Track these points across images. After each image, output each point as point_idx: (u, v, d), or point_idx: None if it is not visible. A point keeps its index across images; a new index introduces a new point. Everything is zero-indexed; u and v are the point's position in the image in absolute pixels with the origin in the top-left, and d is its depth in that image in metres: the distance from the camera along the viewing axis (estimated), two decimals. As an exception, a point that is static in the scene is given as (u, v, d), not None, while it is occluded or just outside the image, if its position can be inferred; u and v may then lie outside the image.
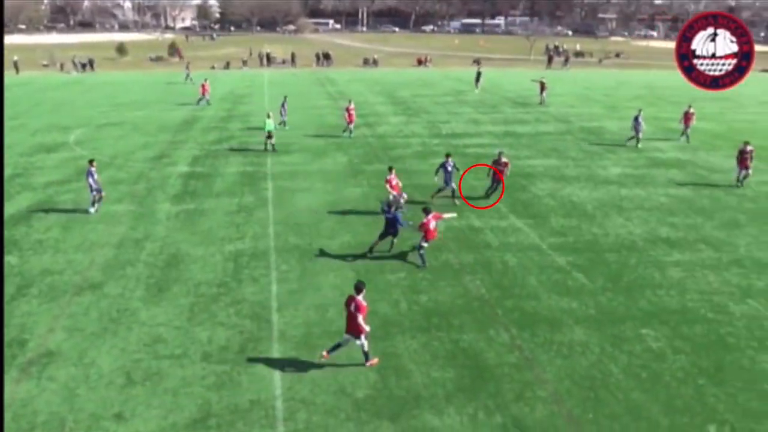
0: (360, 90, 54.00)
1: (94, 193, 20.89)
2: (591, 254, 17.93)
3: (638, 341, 13.37)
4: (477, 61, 77.62)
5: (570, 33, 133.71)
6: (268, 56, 79.68)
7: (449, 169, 21.84)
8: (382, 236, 17.70)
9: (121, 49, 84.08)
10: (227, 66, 74.63)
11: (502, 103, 47.59)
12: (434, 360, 12.58)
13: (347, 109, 33.63)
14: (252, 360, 12.52)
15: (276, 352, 12.80)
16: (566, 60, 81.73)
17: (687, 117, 33.22)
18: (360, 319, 11.80)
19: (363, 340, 12.00)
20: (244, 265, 17.03)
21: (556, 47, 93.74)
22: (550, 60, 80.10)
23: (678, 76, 13.34)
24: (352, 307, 11.93)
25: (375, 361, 12.34)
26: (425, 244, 16.97)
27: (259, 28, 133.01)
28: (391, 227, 17.51)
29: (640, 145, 32.05)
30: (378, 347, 12.97)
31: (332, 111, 42.07)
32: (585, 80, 64.47)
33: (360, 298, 11.96)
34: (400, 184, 21.22)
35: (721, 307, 14.90)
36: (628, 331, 13.76)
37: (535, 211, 21.66)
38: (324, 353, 12.25)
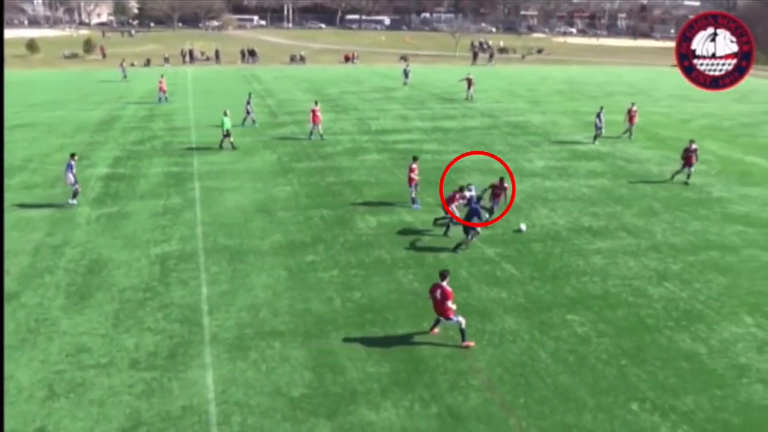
0: (287, 87, 53.48)
1: (77, 186, 21.35)
2: (518, 245, 18.48)
3: (565, 327, 13.91)
4: (404, 58, 78.35)
5: (494, 30, 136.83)
6: (191, 53, 77.66)
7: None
8: (466, 230, 17.90)
9: (31, 45, 79.70)
10: (148, 63, 72.26)
11: (430, 99, 48.26)
12: (369, 355, 12.66)
13: (312, 111, 32.37)
14: (183, 365, 12.23)
15: (208, 356, 12.55)
16: (491, 56, 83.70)
17: (630, 115, 34.12)
18: (449, 303, 12.40)
19: (458, 318, 12.66)
20: (171, 268, 16.59)
21: (481, 44, 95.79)
22: (475, 56, 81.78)
23: (594, 71, 14.00)
24: (438, 294, 12.47)
25: (471, 343, 12.80)
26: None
27: (180, 24, 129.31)
28: (474, 216, 17.90)
29: (597, 142, 32.67)
30: (312, 345, 12.95)
31: (260, 109, 41.46)
32: (509, 76, 66.23)
33: (445, 284, 12.51)
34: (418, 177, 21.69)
35: (641, 291, 15.70)
36: (555, 318, 14.29)
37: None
38: (431, 330, 13.25)
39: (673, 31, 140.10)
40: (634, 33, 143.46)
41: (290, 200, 22.36)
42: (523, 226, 19.36)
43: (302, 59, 79.19)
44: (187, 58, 76.44)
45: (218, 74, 64.05)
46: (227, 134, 29.65)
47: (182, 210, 21.09)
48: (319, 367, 12.20)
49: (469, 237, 17.96)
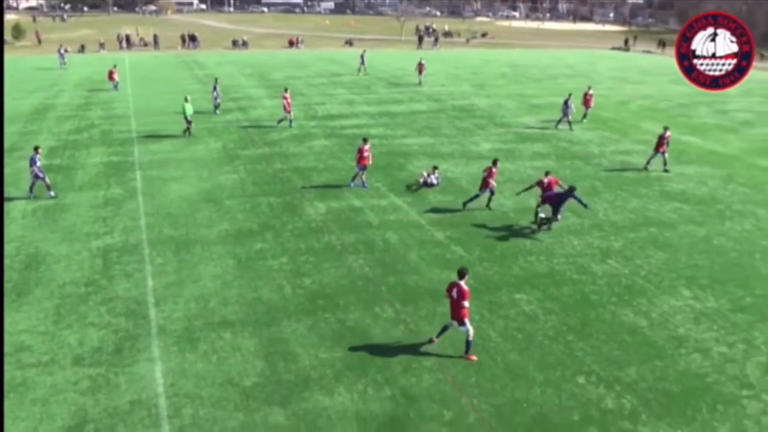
0: (231, 73, 52.42)
1: (42, 179, 20.67)
2: (467, 227, 18.74)
3: (513, 306, 14.22)
4: (349, 42, 77.83)
5: (438, 14, 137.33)
6: (128, 38, 75.11)
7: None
8: (554, 211, 18.24)
9: (-47, 32, 75.47)
10: (82, 49, 69.49)
11: (376, 83, 48.15)
12: (321, 341, 12.66)
13: (284, 98, 31.39)
14: (130, 359, 11.95)
15: (156, 349, 12.30)
16: (436, 40, 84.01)
17: (586, 99, 34.44)
18: (465, 303, 11.73)
19: (467, 327, 11.89)
20: (114, 260, 16.13)
21: (426, 28, 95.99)
22: (420, 40, 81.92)
23: (537, 55, 14.23)
24: (455, 293, 11.81)
25: (474, 358, 12.09)
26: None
27: (116, 8, 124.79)
28: (559, 203, 18.05)
29: (568, 127, 32.18)
30: (264, 333, 12.85)
31: (202, 95, 40.50)
32: (454, 60, 66.68)
33: (462, 283, 11.80)
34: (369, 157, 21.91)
35: (585, 268, 16.18)
36: (504, 297, 14.59)
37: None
38: (434, 338, 12.52)
39: (612, 15, 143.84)
40: (574, 17, 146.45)
41: (237, 188, 22.01)
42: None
43: (245, 44, 77.66)
44: (124, 44, 73.86)
45: (158, 60, 62.19)
46: (190, 121, 29.14)
47: (124, 201, 20.49)
48: (271, 356, 12.13)
49: (547, 223, 18.46)
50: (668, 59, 64.90)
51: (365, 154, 21.76)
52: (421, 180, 22.39)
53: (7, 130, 30.53)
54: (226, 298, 14.30)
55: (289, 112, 31.68)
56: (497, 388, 11.35)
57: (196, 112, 31.06)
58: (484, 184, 20.01)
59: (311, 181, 22.98)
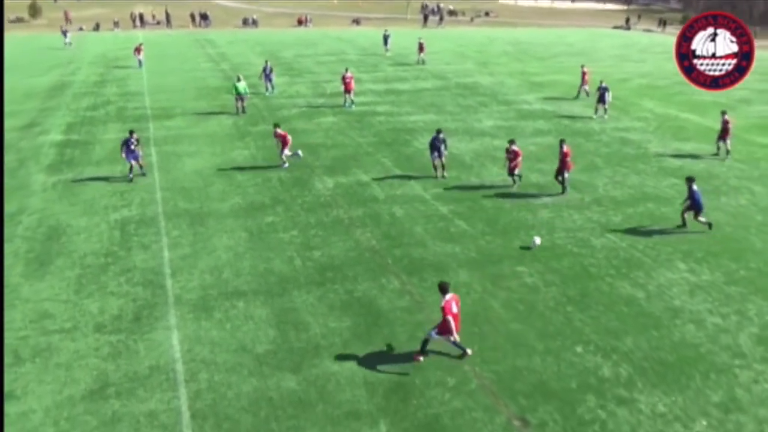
0: (242, 51, 51.96)
1: (137, 159, 20.15)
2: (470, 202, 18.69)
3: (515, 278, 14.24)
4: (357, 21, 76.90)
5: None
6: (141, 17, 74.37)
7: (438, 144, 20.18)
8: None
9: (-28, 10, 74.85)
10: (97, 28, 68.93)
11: (382, 62, 47.65)
12: (331, 311, 12.74)
13: (344, 78, 30.62)
14: (148, 327, 12.07)
15: (173, 317, 12.41)
16: (441, 19, 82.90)
17: (583, 76, 33.79)
18: (447, 318, 10.64)
19: (437, 337, 10.87)
20: (132, 232, 16.20)
21: (432, 7, 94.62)
22: (425, 19, 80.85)
23: (539, 33, 14.02)
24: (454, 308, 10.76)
25: (420, 359, 11.08)
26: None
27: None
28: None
29: (606, 116, 29.62)
30: (276, 303, 12.93)
31: (213, 73, 40.28)
32: (459, 38, 65.85)
33: (448, 297, 10.74)
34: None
35: (585, 242, 16.15)
36: (506, 270, 14.60)
37: (418, 164, 22.14)
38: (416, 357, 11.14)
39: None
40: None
41: (248, 163, 21.98)
42: (537, 240, 15.64)
43: (255, 23, 76.82)
44: (138, 22, 73.19)
45: (171, 38, 61.67)
46: (241, 99, 28.90)
47: (140, 175, 20.49)
48: (283, 324, 12.23)
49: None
50: (668, 38, 63.97)
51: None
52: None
53: (26, 106, 30.48)
54: (239, 269, 14.36)
55: (349, 92, 30.72)
56: (499, 356, 11.41)
57: (213, 88, 30.88)
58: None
59: (320, 156, 22.91)
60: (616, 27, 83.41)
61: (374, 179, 20.47)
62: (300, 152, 21.87)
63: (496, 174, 21.24)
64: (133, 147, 19.71)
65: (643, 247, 15.88)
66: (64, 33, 53.67)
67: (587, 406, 10.08)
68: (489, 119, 29.32)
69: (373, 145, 24.19)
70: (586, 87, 33.85)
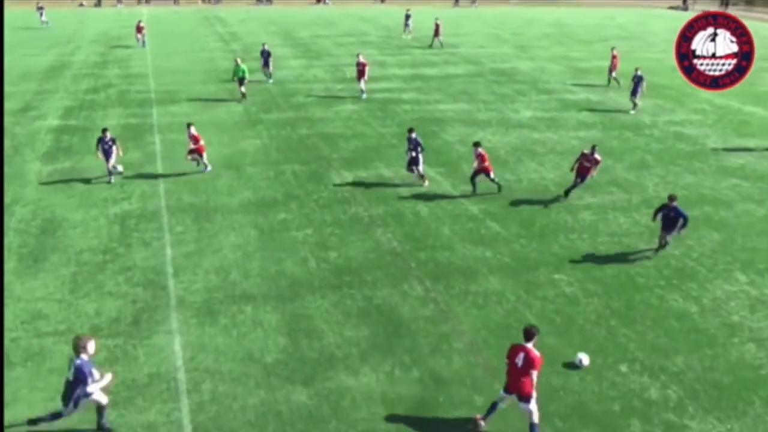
0: (254, 30, 52.36)
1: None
2: (504, 201, 18.61)
3: (552, 287, 14.15)
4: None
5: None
6: (146, -8, 75.25)
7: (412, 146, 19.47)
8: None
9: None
10: (99, 3, 69.97)
11: (409, 44, 47.65)
12: (347, 319, 12.79)
13: (358, 63, 30.26)
14: (148, 331, 12.24)
15: (175, 321, 12.57)
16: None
17: (613, 60, 33.51)
18: (534, 374, 9.40)
19: (533, 406, 9.50)
20: (132, 228, 16.44)
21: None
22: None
23: (584, 13, 13.91)
24: (520, 360, 9.42)
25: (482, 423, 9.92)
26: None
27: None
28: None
29: (634, 111, 28.99)
30: (286, 308, 13.02)
31: (224, 54, 40.63)
32: (493, 18, 65.55)
33: (531, 347, 9.46)
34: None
35: (631, 248, 15.98)
36: (542, 277, 14.52)
37: (446, 158, 22.12)
38: (479, 417, 10.01)
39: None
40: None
41: (260, 154, 22.15)
42: (583, 359, 11.55)
43: (269, 0, 77.29)
44: (143, -2, 74.11)
45: (177, 16, 62.38)
46: (242, 82, 28.88)
47: (142, 165, 20.79)
48: (294, 332, 12.31)
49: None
50: (731, 21, 62.85)
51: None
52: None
53: (22, 88, 31.07)
54: (248, 270, 14.49)
55: (360, 79, 30.28)
56: (533, 373, 11.33)
57: (223, 71, 31.01)
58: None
59: (338, 148, 22.99)
60: (671, 7, 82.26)
61: (397, 174, 20.47)
62: (209, 167, 20.40)
63: (534, 170, 21.13)
64: (107, 147, 19.18)
65: (697, 256, 15.67)
66: (40, 10, 53.23)
67: (631, 432, 9.99)
68: (527, 109, 29.15)
69: (397, 136, 24.17)
70: (614, 74, 33.45)
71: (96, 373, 9.19)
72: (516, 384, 9.47)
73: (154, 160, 21.32)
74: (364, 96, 30.15)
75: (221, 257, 15.04)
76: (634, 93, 28.81)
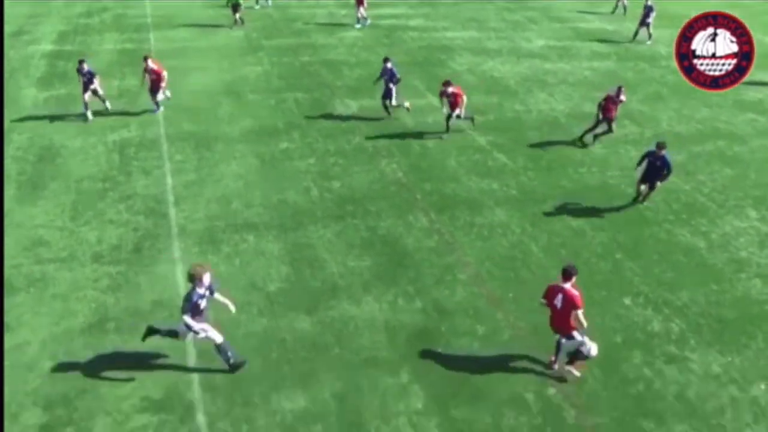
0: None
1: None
2: (512, 133, 18.51)
3: (558, 220, 14.24)
4: None
5: None
6: None
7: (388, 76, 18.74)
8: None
9: None
10: None
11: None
12: (350, 249, 12.95)
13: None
14: (149, 259, 12.44)
15: (177, 250, 12.75)
16: None
17: None
18: (579, 314, 9.41)
19: (579, 339, 9.55)
20: (131, 156, 16.47)
21: None
22: None
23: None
24: (559, 301, 9.46)
25: (576, 372, 9.92)
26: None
27: None
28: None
29: (650, 41, 28.35)
30: (289, 238, 13.18)
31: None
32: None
33: (569, 287, 9.45)
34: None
35: (641, 183, 15.96)
36: (549, 210, 14.59)
37: (454, 88, 21.83)
38: (552, 360, 10.14)
39: None
40: None
41: (261, 82, 21.93)
42: (592, 349, 9.71)
43: None
44: None
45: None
46: (236, 9, 28.14)
47: (140, 92, 20.59)
48: (297, 261, 12.49)
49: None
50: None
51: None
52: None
53: (14, 11, 30.52)
54: (250, 199, 14.59)
55: (359, 6, 29.32)
56: (536, 305, 11.43)
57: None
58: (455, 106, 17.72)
59: (342, 76, 22.73)
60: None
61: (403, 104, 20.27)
62: (160, 109, 19.17)
63: (544, 101, 20.92)
64: (86, 80, 18.19)
65: (708, 191, 15.68)
66: None
67: (632, 363, 10.24)
68: (539, 38, 28.60)
69: (403, 64, 23.77)
70: (625, 1, 32.81)
71: (203, 303, 9.24)
72: (557, 324, 9.59)
73: (152, 86, 21.09)
74: (361, 25, 29.44)
75: (222, 186, 15.11)
76: (642, 23, 28.34)
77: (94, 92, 18.45)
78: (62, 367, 9.75)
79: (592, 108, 20.43)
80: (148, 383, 9.51)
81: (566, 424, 9.13)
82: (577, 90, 22.10)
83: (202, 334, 9.40)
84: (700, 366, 10.26)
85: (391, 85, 18.74)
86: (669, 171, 14.42)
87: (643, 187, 14.78)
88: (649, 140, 18.32)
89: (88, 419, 8.89)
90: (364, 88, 21.54)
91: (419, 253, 12.85)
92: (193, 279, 9.14)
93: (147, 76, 18.67)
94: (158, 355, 10.04)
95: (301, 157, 16.62)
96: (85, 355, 10.01)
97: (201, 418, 8.99)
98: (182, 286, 11.66)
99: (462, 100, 17.59)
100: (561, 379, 9.91)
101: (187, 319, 9.17)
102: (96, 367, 9.78)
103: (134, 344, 10.21)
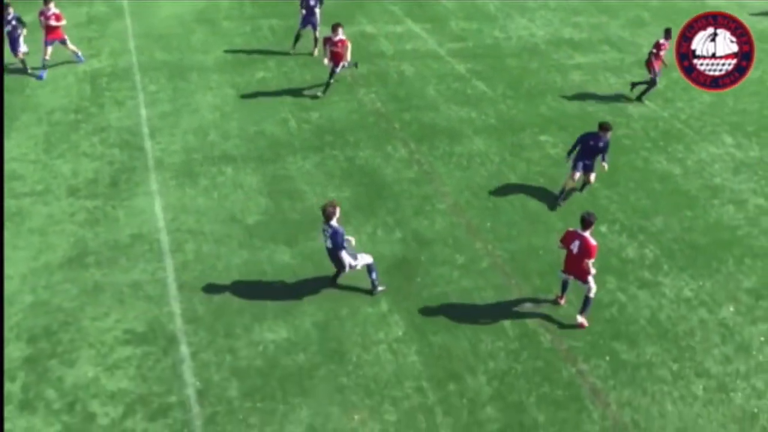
0: None
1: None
2: (492, 60, 18.28)
3: (537, 148, 14.27)
4: None
5: None
6: None
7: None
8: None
9: None
10: None
11: None
12: (329, 180, 12.92)
13: None
14: (127, 192, 12.31)
15: (154, 183, 12.63)
16: None
17: None
18: (589, 263, 9.52)
19: (591, 284, 9.69)
20: (103, 86, 16.07)
21: None
22: None
23: None
24: (575, 247, 9.52)
25: (585, 323, 9.87)
26: None
27: None
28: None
29: None
30: (267, 170, 13.10)
31: None
32: None
33: (588, 235, 9.45)
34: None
35: (621, 110, 15.99)
36: (527, 139, 14.61)
37: (433, 13, 21.38)
38: (558, 297, 10.29)
39: None
40: None
41: (234, 8, 21.26)
42: (583, 323, 9.98)
43: None
44: None
45: None
46: None
47: (110, 20, 19.93)
48: (276, 193, 12.45)
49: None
50: None
51: None
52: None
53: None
54: (227, 130, 14.40)
55: None
56: (514, 233, 11.72)
57: None
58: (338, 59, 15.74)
59: (318, 2, 22.07)
60: None
61: (381, 31, 19.88)
62: (43, 74, 16.33)
63: (523, 27, 20.59)
64: (11, 29, 15.86)
65: (686, 118, 15.75)
66: None
67: (606, 288, 10.50)
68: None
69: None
70: None
71: (350, 238, 9.95)
72: (572, 268, 9.72)
73: (122, 13, 20.40)
74: None
75: (199, 117, 14.86)
76: None
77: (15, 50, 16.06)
78: (43, 301, 9.77)
79: (572, 33, 20.29)
80: (131, 316, 9.59)
81: (542, 348, 9.42)
82: (557, 14, 21.74)
83: (361, 261, 10.04)
84: (672, 290, 10.56)
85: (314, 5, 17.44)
86: (605, 153, 12.61)
87: (578, 175, 12.61)
88: (629, 67, 18.25)
89: (72, 351, 8.99)
90: (341, 14, 20.89)
91: (398, 184, 12.87)
92: (331, 216, 9.59)
93: (46, 21, 16.16)
94: (139, 289, 10.09)
95: (278, 87, 16.33)
96: (65, 288, 10.03)
97: (184, 349, 9.12)
98: (161, 219, 11.63)
99: (348, 49, 15.65)
100: (537, 304, 10.16)
101: (356, 260, 9.93)
102: (77, 300, 9.81)
103: (115, 277, 10.25)
